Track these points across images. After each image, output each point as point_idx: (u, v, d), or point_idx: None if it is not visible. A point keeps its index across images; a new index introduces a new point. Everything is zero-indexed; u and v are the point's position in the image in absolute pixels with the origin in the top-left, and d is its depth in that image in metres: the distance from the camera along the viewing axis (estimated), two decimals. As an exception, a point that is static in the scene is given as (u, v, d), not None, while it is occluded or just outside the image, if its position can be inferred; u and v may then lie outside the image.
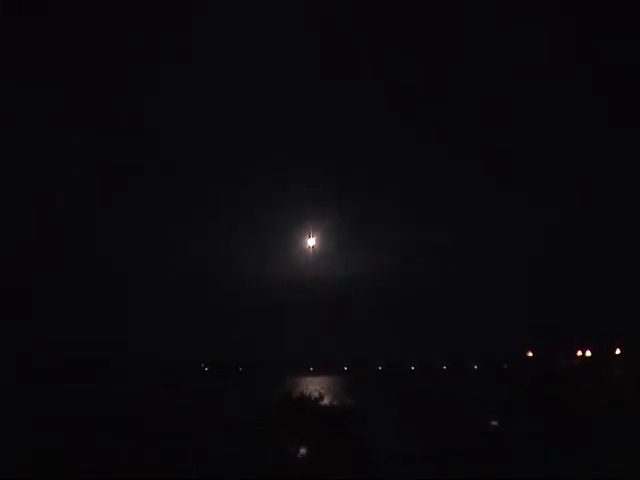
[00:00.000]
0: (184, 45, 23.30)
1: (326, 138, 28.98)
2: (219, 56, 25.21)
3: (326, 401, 10.67)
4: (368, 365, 41.36)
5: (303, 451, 9.15)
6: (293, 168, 27.89)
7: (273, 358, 33.80)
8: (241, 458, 9.01)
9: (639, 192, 25.04)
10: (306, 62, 24.91)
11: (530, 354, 29.79)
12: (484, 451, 11.09)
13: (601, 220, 26.23)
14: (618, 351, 26.89)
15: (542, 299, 27.40)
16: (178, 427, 11.49)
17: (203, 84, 25.94)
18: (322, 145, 28.55)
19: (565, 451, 10.59)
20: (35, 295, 24.16)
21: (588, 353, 27.95)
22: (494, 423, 13.32)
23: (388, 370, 40.49)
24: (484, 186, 29.74)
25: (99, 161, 27.26)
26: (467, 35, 22.72)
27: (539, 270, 28.01)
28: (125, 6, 21.25)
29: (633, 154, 23.20)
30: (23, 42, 21.28)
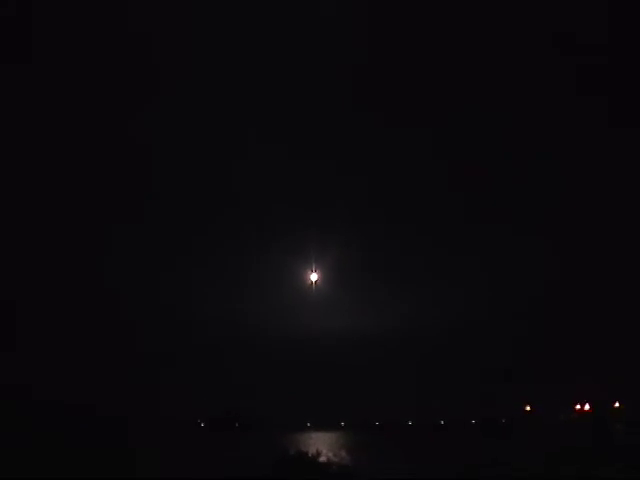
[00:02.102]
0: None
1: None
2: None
3: (325, 458, 10.01)
4: (366, 420, 39.89)
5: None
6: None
7: (270, 413, 32.38)
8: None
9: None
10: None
11: (528, 408, 28.93)
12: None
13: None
14: (617, 404, 26.14)
15: (540, 351, 26.58)
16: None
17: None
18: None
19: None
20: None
21: (587, 407, 27.17)
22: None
23: (386, 425, 39.00)
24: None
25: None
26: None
27: (538, 314, 27.22)
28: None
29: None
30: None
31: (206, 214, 28.17)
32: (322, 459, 9.82)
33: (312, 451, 9.82)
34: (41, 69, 22.91)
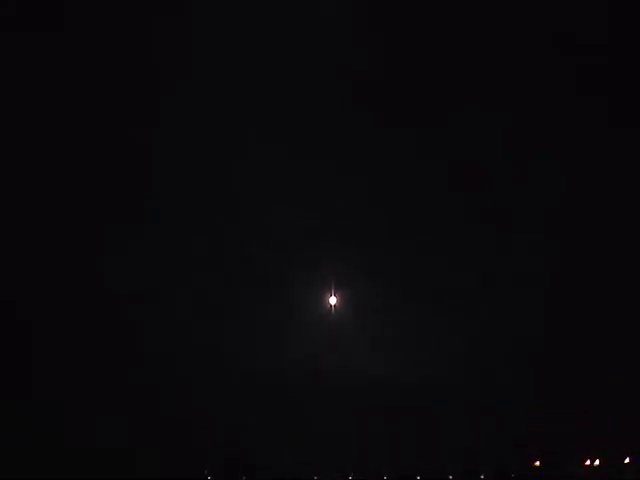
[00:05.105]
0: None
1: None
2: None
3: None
4: (374, 475, 39.25)
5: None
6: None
7: (274, 465, 31.39)
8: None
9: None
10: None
11: (537, 463, 28.66)
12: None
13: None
14: (627, 460, 25.83)
15: (546, 401, 26.51)
16: None
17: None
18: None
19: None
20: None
21: (597, 462, 26.91)
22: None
23: None
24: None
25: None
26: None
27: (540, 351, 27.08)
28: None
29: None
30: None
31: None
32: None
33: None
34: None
